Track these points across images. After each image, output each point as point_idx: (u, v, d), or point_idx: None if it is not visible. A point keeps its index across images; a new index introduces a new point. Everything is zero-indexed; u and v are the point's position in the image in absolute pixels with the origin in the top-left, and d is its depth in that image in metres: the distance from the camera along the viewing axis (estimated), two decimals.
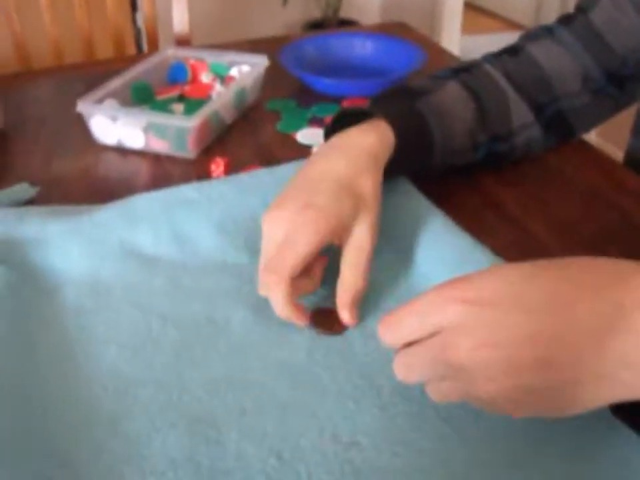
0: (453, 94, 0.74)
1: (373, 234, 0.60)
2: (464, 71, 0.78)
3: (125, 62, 1.30)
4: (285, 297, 0.56)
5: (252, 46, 1.21)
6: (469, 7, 3.90)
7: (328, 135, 0.72)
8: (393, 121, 0.67)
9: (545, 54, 0.79)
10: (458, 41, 3.44)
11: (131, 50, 2.33)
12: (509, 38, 0.90)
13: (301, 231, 0.57)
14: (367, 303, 0.60)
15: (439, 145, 0.71)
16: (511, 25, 4.18)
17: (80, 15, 1.55)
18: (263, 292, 0.59)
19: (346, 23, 3.36)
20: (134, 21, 2.49)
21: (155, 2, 1.59)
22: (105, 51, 1.66)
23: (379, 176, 0.64)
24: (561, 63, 0.79)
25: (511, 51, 0.81)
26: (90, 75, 1.15)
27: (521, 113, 0.78)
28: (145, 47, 2.46)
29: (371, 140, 0.65)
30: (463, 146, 0.74)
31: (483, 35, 3.88)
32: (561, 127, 0.81)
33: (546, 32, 0.81)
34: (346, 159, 0.63)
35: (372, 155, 0.64)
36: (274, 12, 3.37)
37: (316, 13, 3.42)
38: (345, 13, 3.40)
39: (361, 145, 0.65)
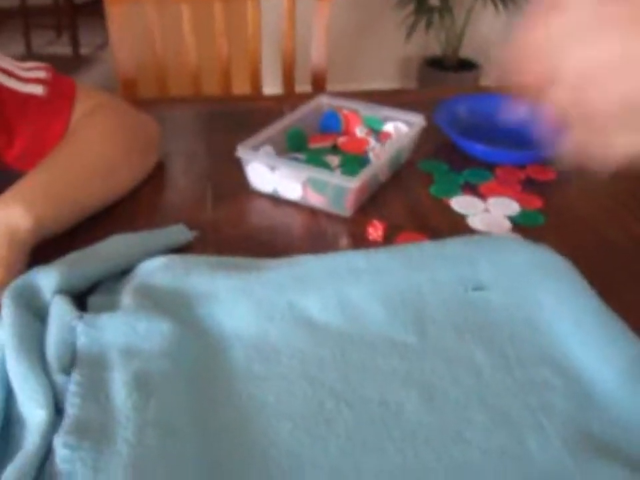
0: None
1: None
2: None
3: (264, 100, 1.32)
4: None
5: (383, 97, 1.21)
6: None
7: None
8: None
9: None
10: None
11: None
12: None
13: None
14: (539, 403, 0.58)
15: None
16: None
17: (219, 42, 1.58)
18: None
19: (465, 63, 3.34)
20: None
21: (294, 36, 1.61)
22: (238, 72, 1.68)
23: None
24: None
25: None
26: (231, 110, 1.18)
27: None
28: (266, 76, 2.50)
29: None
30: None
31: None
32: None
33: None
34: None
35: None
36: (395, 46, 3.38)
37: (436, 50, 3.42)
38: (464, 53, 3.39)
39: None
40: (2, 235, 0.69)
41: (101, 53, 4.51)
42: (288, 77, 1.62)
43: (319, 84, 1.61)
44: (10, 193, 0.74)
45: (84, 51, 4.53)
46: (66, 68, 1.06)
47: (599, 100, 0.48)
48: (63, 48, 4.55)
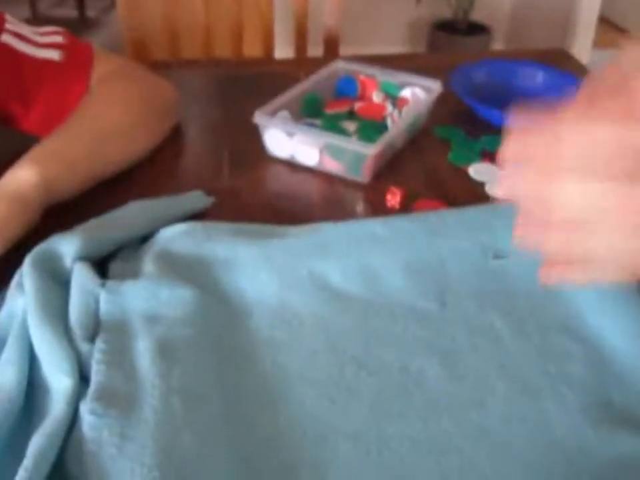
0: None
1: None
2: None
3: (278, 64, 1.31)
4: None
5: (396, 62, 1.20)
6: (602, 21, 3.79)
7: None
8: None
9: None
10: (588, 53, 3.35)
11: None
12: None
13: None
14: (558, 371, 0.58)
15: None
16: None
17: (230, 2, 1.57)
18: None
19: (475, 27, 3.31)
20: None
21: None
22: (249, 33, 1.67)
23: None
24: None
25: None
26: (245, 73, 1.18)
27: None
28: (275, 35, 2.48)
29: None
30: None
31: (613, 51, 3.76)
32: None
33: None
34: None
35: None
36: (405, 8, 3.35)
37: (446, 13, 3.38)
38: (475, 16, 3.36)
39: None
40: (4, 191, 0.69)
41: (107, 16, 4.47)
42: (301, 40, 1.61)
43: (331, 47, 1.60)
44: (24, 156, 0.74)
45: (90, 13, 4.48)
46: (72, 31, 1.05)
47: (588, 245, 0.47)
48: (68, 11, 4.50)
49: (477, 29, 3.37)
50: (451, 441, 0.52)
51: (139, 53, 1.56)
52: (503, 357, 0.60)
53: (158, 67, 1.18)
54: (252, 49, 1.71)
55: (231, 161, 0.91)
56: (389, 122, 0.93)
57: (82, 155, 0.79)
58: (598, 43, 3.47)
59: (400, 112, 0.95)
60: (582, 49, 3.31)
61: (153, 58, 1.59)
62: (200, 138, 0.97)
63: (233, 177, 0.87)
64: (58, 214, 0.74)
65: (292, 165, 0.89)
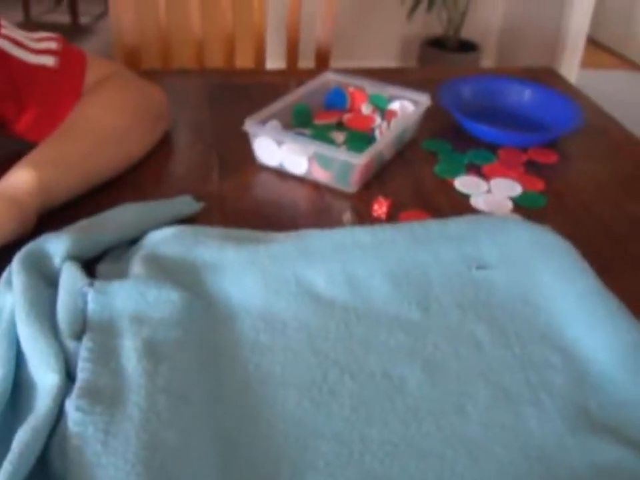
0: None
1: None
2: None
3: (268, 75, 1.32)
4: None
5: (387, 75, 1.22)
6: (589, 41, 3.83)
7: None
8: None
9: None
10: (576, 74, 3.39)
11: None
12: (626, 76, 0.87)
13: None
14: (538, 380, 0.60)
15: None
16: (630, 64, 4.09)
17: (224, 15, 1.58)
18: None
19: (466, 45, 3.34)
20: None
21: (300, 10, 1.61)
22: (241, 45, 1.68)
23: None
24: None
25: None
26: (235, 83, 1.18)
27: None
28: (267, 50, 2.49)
29: None
30: None
31: (600, 71, 3.81)
32: None
33: None
34: None
35: None
36: (396, 24, 3.37)
37: (437, 30, 3.41)
38: (465, 34, 3.38)
39: None
40: (1, 195, 0.70)
41: (100, 23, 4.48)
42: (292, 53, 1.62)
43: (322, 60, 1.61)
44: (21, 161, 0.75)
45: (83, 20, 4.49)
46: (64, 37, 1.05)
47: None
48: (61, 16, 4.51)
49: (467, 47, 3.40)
50: (431, 446, 0.53)
51: (131, 61, 1.57)
52: (483, 365, 0.61)
53: (149, 75, 1.19)
54: (244, 61, 1.72)
55: (220, 168, 0.92)
56: (377, 133, 0.95)
57: (78, 161, 0.80)
58: (585, 63, 3.51)
59: (388, 124, 0.96)
60: (570, 68, 3.34)
61: (144, 66, 1.60)
62: (190, 144, 0.98)
63: (222, 184, 0.88)
64: (48, 215, 0.75)
65: (281, 174, 0.90)
